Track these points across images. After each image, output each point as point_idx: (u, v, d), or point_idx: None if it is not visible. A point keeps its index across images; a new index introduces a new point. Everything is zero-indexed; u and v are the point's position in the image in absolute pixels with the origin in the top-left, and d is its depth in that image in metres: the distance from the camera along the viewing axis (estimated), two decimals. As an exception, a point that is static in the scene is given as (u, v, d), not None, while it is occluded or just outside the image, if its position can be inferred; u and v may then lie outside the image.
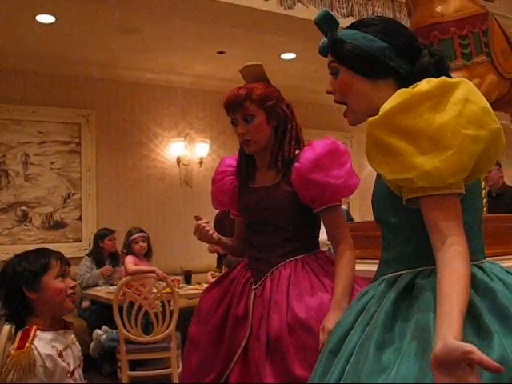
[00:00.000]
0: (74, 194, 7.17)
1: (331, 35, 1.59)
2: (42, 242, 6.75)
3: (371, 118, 1.34)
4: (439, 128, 1.26)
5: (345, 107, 1.61)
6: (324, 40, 1.64)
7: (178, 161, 7.78)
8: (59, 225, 7.06)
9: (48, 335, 2.09)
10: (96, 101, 7.37)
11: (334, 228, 2.20)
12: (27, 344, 2.01)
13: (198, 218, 2.37)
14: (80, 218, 7.19)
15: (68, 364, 2.09)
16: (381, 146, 1.32)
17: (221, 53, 7.02)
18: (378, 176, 1.49)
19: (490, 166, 1.40)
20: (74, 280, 2.34)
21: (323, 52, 1.65)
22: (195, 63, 7.41)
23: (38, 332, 2.07)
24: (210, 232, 2.36)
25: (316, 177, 2.13)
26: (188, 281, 6.25)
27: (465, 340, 1.15)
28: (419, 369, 1.20)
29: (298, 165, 2.17)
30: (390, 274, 1.47)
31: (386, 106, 1.32)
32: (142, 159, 7.68)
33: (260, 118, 2.22)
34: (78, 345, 2.26)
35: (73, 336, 2.25)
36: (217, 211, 5.29)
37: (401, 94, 1.33)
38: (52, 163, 7.05)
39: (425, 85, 1.32)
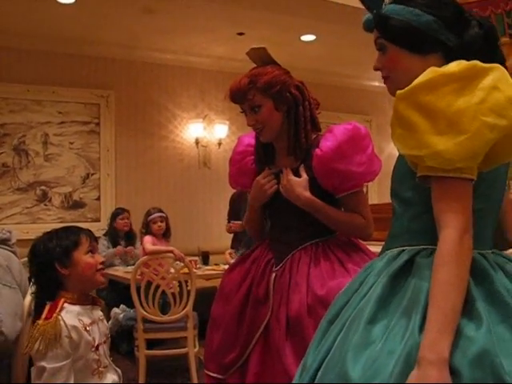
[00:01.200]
0: (92, 174, 7.22)
1: (377, 12, 1.55)
2: (61, 222, 6.81)
3: (399, 91, 1.33)
4: (458, 111, 1.25)
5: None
6: (368, 15, 1.60)
7: (197, 142, 7.78)
8: (78, 204, 7.12)
9: (75, 308, 2.15)
10: (115, 81, 7.39)
11: (356, 211, 2.20)
12: (54, 315, 2.07)
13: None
14: (99, 198, 7.24)
15: (93, 339, 2.15)
16: (401, 120, 1.32)
17: (240, 34, 6.99)
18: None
19: (510, 156, 1.38)
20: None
21: (369, 27, 1.60)
22: (215, 44, 7.39)
23: (66, 305, 2.14)
24: (271, 189, 2.28)
25: (338, 166, 2.11)
26: (205, 262, 6.28)
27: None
28: (404, 345, 1.23)
29: (320, 152, 2.15)
30: (394, 249, 1.48)
31: (415, 81, 1.32)
32: (161, 140, 7.70)
33: (267, 106, 2.18)
34: (106, 322, 2.33)
35: (100, 313, 2.31)
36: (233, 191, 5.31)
37: (429, 72, 1.32)
38: (71, 143, 7.09)
39: (454, 66, 1.31)
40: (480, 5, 2.94)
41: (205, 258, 6.34)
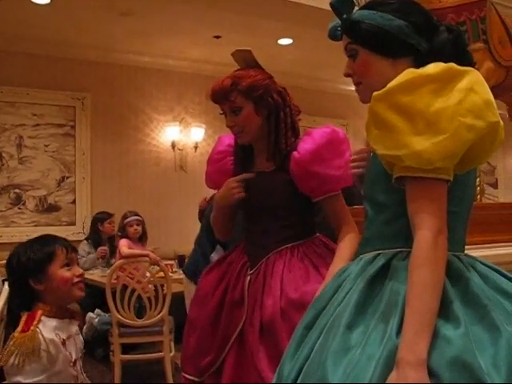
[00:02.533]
0: (68, 178, 7.15)
1: (347, 16, 1.56)
2: (36, 226, 6.75)
3: (375, 93, 1.34)
4: (437, 112, 1.26)
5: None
6: (335, 23, 1.61)
7: (173, 145, 7.76)
8: (53, 208, 7.05)
9: (52, 322, 2.07)
10: (91, 84, 7.33)
11: (335, 215, 2.20)
12: (32, 327, 1.99)
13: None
14: (74, 202, 7.18)
15: (70, 354, 2.08)
16: (379, 121, 1.33)
17: (217, 37, 6.99)
18: (374, 154, 1.50)
19: (485, 158, 1.40)
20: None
21: (334, 35, 1.62)
22: (192, 47, 7.38)
23: (43, 318, 2.05)
24: (239, 195, 2.23)
25: (316, 169, 2.11)
26: (181, 265, 6.24)
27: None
28: (383, 349, 1.23)
29: (297, 155, 2.14)
30: (369, 253, 1.49)
31: (392, 83, 1.33)
32: (137, 143, 7.66)
33: (248, 110, 2.16)
34: (81, 337, 2.25)
35: (77, 327, 2.22)
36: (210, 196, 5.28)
37: (407, 73, 1.33)
38: (46, 146, 7.03)
39: (432, 68, 1.33)
40: (455, 10, 2.97)
41: (181, 261, 6.31)
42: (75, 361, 2.10)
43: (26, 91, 6.89)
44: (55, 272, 2.11)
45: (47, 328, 2.03)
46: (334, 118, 8.64)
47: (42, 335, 1.98)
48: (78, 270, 2.19)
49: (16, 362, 1.92)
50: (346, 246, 2.10)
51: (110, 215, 6.25)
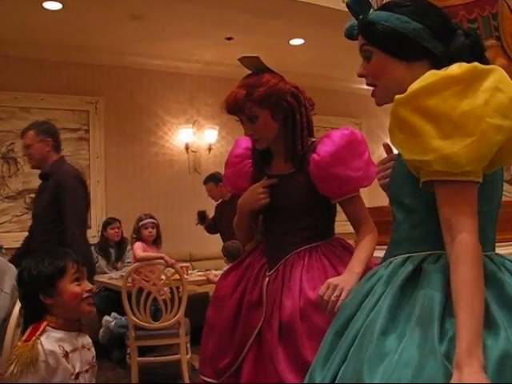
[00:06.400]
0: (82, 182, 7.17)
1: (363, 17, 1.55)
2: (51, 230, 6.77)
3: (397, 96, 1.32)
4: (463, 114, 1.24)
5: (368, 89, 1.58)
6: (352, 23, 1.60)
7: (187, 147, 7.77)
8: (68, 212, 7.05)
9: (58, 334, 2.09)
10: (104, 88, 7.36)
11: (355, 216, 2.21)
12: (34, 338, 2.02)
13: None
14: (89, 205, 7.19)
15: (73, 366, 2.08)
16: (403, 125, 1.31)
17: (229, 39, 6.99)
18: (398, 156, 1.48)
19: None
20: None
21: (351, 34, 1.61)
22: (203, 49, 7.39)
23: (49, 328, 2.08)
24: (264, 200, 2.24)
25: (336, 170, 2.11)
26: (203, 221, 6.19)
27: None
28: (420, 356, 1.21)
29: (317, 157, 2.14)
30: (399, 256, 1.47)
31: (414, 85, 1.30)
32: (151, 146, 7.68)
33: (264, 117, 2.16)
34: (93, 351, 2.25)
35: (89, 341, 2.24)
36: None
37: (430, 76, 1.31)
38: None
39: (455, 69, 1.30)
40: (466, 8, 2.96)
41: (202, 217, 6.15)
42: (78, 374, 2.10)
43: (40, 97, 6.93)
44: (65, 287, 2.13)
45: (51, 339, 2.05)
46: (347, 117, 8.63)
47: (42, 346, 2.00)
48: (88, 285, 2.22)
49: (15, 371, 1.94)
50: (364, 247, 2.11)
51: (114, 220, 6.30)
